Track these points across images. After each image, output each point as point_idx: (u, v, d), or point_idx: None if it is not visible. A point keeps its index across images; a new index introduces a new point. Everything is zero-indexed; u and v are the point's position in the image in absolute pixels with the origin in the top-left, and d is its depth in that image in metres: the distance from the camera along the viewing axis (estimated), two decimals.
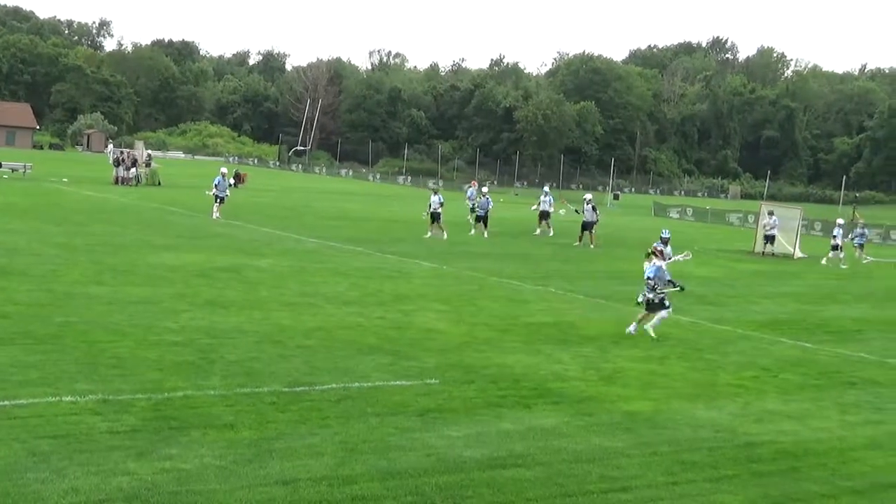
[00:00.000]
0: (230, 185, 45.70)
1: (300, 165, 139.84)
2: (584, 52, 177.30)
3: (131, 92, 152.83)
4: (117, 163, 65.21)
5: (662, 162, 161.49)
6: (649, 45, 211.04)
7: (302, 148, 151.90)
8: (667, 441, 12.83)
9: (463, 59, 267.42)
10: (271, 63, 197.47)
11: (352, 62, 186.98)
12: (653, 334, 20.28)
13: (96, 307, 19.09)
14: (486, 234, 42.39)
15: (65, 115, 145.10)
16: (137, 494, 9.54)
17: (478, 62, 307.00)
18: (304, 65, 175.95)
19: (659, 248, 21.40)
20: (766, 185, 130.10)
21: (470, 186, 55.06)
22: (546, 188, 50.39)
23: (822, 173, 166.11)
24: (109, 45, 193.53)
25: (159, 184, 64.10)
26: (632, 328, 20.61)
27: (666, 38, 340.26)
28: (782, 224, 45.86)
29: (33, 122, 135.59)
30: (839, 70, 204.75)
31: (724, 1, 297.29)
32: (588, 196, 44.00)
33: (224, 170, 45.25)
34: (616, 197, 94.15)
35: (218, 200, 42.28)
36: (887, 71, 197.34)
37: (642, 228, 60.46)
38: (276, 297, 22.00)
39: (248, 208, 48.68)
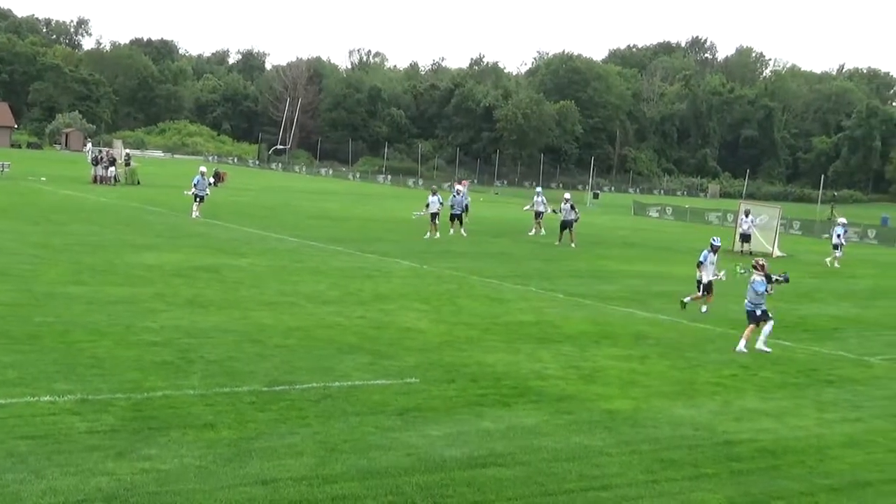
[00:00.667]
0: (210, 185, 45.54)
1: (280, 164, 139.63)
2: (563, 51, 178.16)
3: (110, 91, 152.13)
4: (96, 162, 64.93)
5: (642, 161, 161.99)
6: (629, 45, 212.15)
7: (282, 147, 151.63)
8: (647, 439, 12.86)
9: (443, 59, 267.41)
10: (251, 62, 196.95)
11: (331, 61, 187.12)
12: (767, 349, 19.88)
13: (75, 307, 19.00)
14: (463, 233, 42.32)
15: (43, 113, 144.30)
16: (116, 495, 9.50)
17: (457, 61, 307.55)
18: (284, 64, 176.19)
19: (761, 262, 20.87)
20: (745, 183, 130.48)
21: (458, 184, 54.93)
22: (539, 188, 50.44)
23: (800, 172, 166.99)
24: (88, 43, 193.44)
25: (138, 183, 63.83)
26: (742, 346, 19.79)
27: (645, 37, 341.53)
28: (761, 223, 46.05)
29: (11, 120, 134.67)
30: (817, 70, 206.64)
31: (703, 1, 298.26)
32: (566, 195, 44.06)
33: (203, 169, 45.13)
34: (596, 196, 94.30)
35: (197, 200, 42.15)
36: (865, 71, 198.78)
37: (622, 227, 60.70)
38: (255, 297, 21.95)
39: (227, 207, 48.56)
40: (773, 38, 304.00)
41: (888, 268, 44.49)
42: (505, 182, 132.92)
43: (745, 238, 45.06)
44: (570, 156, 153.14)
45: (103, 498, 9.41)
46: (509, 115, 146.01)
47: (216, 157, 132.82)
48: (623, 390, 15.54)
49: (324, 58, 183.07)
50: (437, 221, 41.34)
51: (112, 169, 63.10)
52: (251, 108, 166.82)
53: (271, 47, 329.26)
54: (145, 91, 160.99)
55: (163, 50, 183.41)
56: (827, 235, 46.61)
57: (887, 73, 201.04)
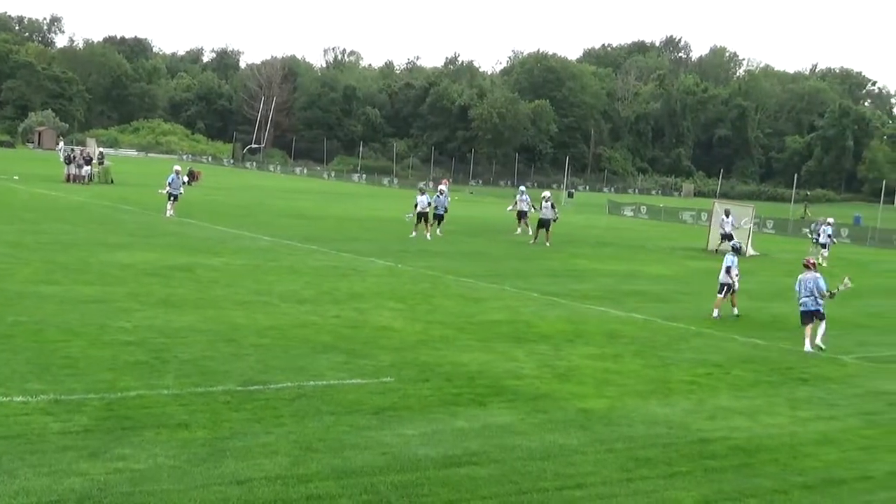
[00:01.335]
0: (184, 183, 45.40)
1: (255, 163, 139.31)
2: (538, 50, 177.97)
3: (83, 89, 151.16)
4: (69, 160, 64.51)
5: (616, 160, 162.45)
6: (603, 44, 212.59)
7: (256, 146, 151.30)
8: (621, 438, 12.90)
9: (418, 58, 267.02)
10: (225, 60, 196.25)
11: (306, 60, 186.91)
12: (824, 346, 20.76)
13: (48, 306, 18.89)
14: (439, 233, 42.24)
15: (15, 112, 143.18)
16: (90, 495, 9.45)
17: (432, 60, 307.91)
18: (259, 62, 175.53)
19: (812, 261, 21.74)
20: (719, 183, 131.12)
21: (441, 184, 54.87)
22: (522, 188, 50.39)
23: (773, 171, 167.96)
24: (61, 41, 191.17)
25: (112, 182, 63.52)
26: (808, 346, 20.73)
27: (620, 37, 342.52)
28: (744, 225, 46.55)
29: None
30: (790, 69, 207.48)
31: (677, 1, 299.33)
32: (546, 194, 44.06)
33: (178, 168, 45.00)
34: (570, 195, 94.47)
35: (172, 198, 42.00)
36: (837, 71, 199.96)
37: (597, 226, 60.87)
38: (230, 296, 21.88)
39: (201, 206, 48.39)
40: (746, 37, 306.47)
41: (861, 266, 44.77)
42: (480, 181, 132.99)
43: (728, 238, 45.32)
44: (545, 155, 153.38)
45: (76, 498, 9.36)
46: (484, 114, 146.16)
47: (190, 155, 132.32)
48: (597, 389, 15.57)
49: (298, 56, 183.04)
50: (424, 221, 41.29)
51: (87, 168, 62.77)
52: (226, 107, 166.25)
53: (246, 46, 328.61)
54: (119, 89, 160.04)
55: (136, 48, 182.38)
56: (807, 232, 47.15)
57: (860, 73, 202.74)
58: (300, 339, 17.63)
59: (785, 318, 25.10)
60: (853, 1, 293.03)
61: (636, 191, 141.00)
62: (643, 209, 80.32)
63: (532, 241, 42.18)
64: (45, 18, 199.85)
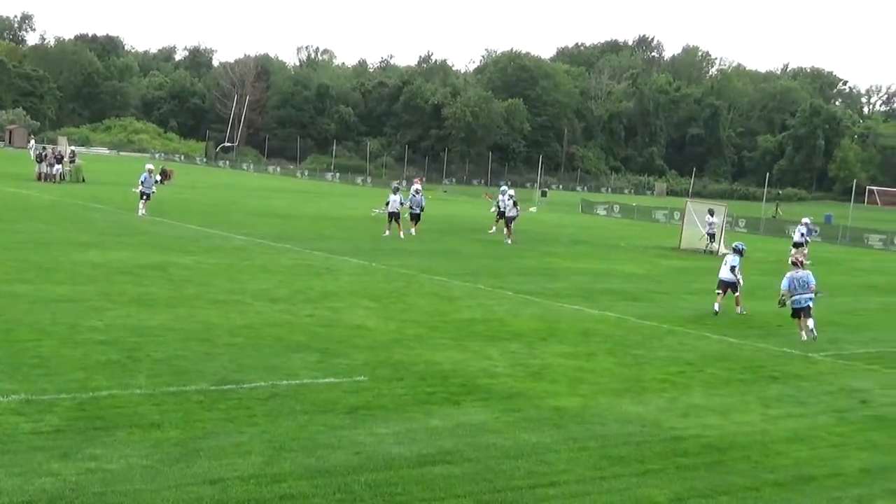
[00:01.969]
0: (156, 182, 45.19)
1: (228, 162, 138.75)
2: (511, 49, 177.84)
3: (54, 87, 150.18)
4: (40, 159, 64.17)
5: (590, 159, 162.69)
6: (577, 43, 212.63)
7: (229, 144, 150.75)
8: (594, 436, 12.94)
9: (391, 56, 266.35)
10: (198, 59, 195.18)
11: (279, 58, 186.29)
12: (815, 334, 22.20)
13: (19, 305, 18.76)
14: (415, 232, 42.11)
15: None
16: (61, 496, 9.40)
17: (406, 59, 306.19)
18: (232, 61, 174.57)
19: (800, 259, 23.58)
20: (692, 182, 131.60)
21: (415, 183, 54.77)
22: (504, 187, 50.44)
23: (745, 170, 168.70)
24: (32, 39, 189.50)
25: (83, 180, 63.19)
26: (805, 336, 22.19)
27: (593, 36, 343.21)
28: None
29: None
30: (762, 69, 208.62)
31: (650, 0, 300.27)
32: (511, 192, 44.31)
33: (150, 166, 44.85)
34: (544, 194, 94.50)
35: (144, 197, 41.82)
36: (809, 70, 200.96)
37: (570, 225, 61.00)
38: (202, 295, 21.81)
39: (174, 205, 48.20)
40: (719, 37, 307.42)
41: (832, 265, 45.07)
42: (453, 180, 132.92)
43: (712, 237, 45.73)
44: (519, 154, 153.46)
45: (48, 499, 9.30)
46: (458, 112, 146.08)
47: (163, 154, 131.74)
48: (571, 387, 15.61)
49: (272, 55, 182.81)
50: (396, 220, 41.21)
51: (58, 167, 62.43)
52: (198, 106, 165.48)
53: (219, 44, 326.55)
54: (90, 87, 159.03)
55: (108, 46, 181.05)
56: (789, 232, 47.82)
57: (830, 73, 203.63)
58: (274, 338, 17.59)
59: (757, 316, 25.27)
60: (825, 1, 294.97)
61: (609, 189, 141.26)
62: (616, 208, 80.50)
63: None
64: (15, 16, 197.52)
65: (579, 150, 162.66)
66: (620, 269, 35.29)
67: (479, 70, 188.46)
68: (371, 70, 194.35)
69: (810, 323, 22.26)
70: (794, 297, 22.39)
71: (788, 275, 22.76)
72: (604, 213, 79.89)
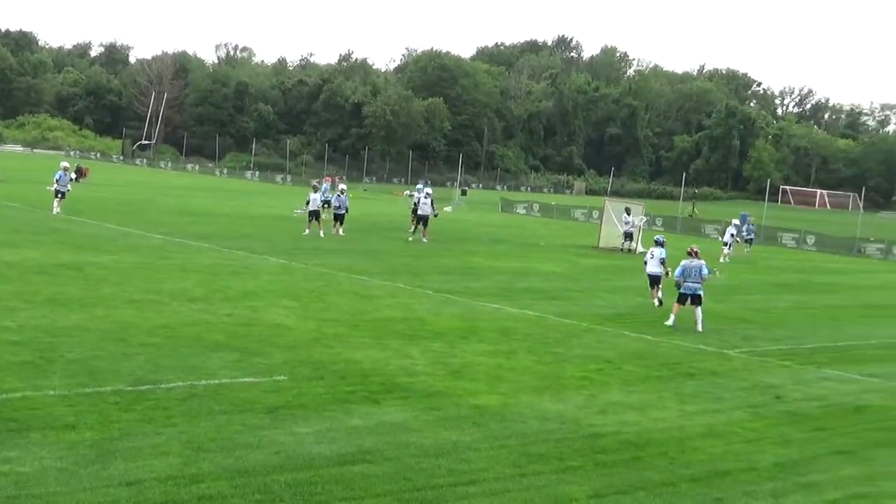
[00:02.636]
0: (72, 180, 44.48)
1: (145, 160, 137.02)
2: (432, 48, 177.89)
3: None
4: None
5: (509, 158, 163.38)
6: (496, 43, 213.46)
7: (146, 142, 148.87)
8: (514, 434, 13.01)
9: (311, 54, 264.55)
10: (114, 55, 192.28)
11: (198, 55, 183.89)
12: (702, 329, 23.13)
13: None
14: (342, 232, 41.85)
15: None
16: None
17: (326, 57, 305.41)
18: (149, 57, 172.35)
19: (696, 249, 24.29)
20: (610, 181, 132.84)
21: (324, 182, 54.50)
22: (420, 184, 50.42)
23: (663, 170, 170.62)
24: None
25: None
26: (672, 322, 23.50)
27: (513, 35, 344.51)
28: (640, 223, 48.02)
29: None
30: (679, 70, 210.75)
31: (569, 1, 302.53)
32: (429, 190, 44.36)
33: (65, 164, 44.23)
34: (464, 193, 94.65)
35: (59, 195, 41.18)
36: (724, 72, 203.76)
37: (490, 224, 61.23)
38: (119, 294, 21.51)
39: (90, 203, 47.47)
40: (636, 38, 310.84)
41: (746, 263, 45.86)
42: (374, 179, 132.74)
43: (629, 236, 46.30)
44: (439, 153, 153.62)
45: None
46: (378, 111, 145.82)
47: (78, 151, 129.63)
48: (491, 385, 15.68)
49: (190, 52, 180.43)
50: (317, 219, 41.01)
51: None
52: (115, 103, 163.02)
53: (135, 40, 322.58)
54: (3, 84, 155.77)
55: (21, 41, 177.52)
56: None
57: (745, 75, 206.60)
58: (192, 337, 17.42)
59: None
60: (740, 3, 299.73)
61: (529, 188, 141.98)
62: (535, 207, 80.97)
63: (410, 237, 42.45)
64: None
65: (499, 149, 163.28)
66: (540, 267, 35.52)
67: (399, 69, 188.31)
68: (291, 68, 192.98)
69: (698, 312, 23.25)
70: (685, 284, 23.48)
71: (683, 262, 23.80)
72: (523, 211, 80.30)
